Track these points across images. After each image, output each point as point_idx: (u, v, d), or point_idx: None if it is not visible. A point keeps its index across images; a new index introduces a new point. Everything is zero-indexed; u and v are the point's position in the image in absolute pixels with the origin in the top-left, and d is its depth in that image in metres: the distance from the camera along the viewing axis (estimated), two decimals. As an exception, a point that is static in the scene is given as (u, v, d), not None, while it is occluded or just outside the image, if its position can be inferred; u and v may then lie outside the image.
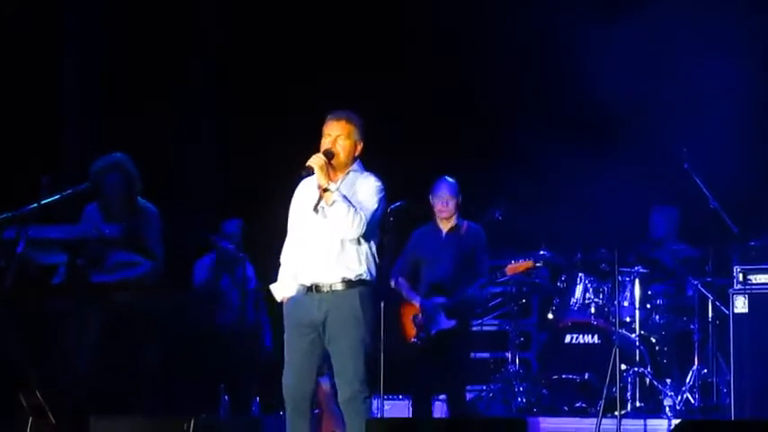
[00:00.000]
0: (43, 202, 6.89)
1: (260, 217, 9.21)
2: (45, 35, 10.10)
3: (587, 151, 9.67)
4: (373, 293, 6.40)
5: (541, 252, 9.18)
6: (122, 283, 7.73)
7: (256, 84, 10.95)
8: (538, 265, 8.92)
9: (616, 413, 8.08)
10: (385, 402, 8.32)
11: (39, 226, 7.08)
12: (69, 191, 7.24)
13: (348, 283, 6.32)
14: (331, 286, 6.32)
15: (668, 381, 8.98)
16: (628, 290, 9.24)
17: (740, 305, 8.18)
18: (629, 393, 8.83)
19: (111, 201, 7.83)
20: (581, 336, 9.14)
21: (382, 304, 7.39)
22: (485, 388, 9.61)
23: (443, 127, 10.66)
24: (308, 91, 10.30)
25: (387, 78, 10.64)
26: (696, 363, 9.02)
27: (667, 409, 8.71)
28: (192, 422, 6.51)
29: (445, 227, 8.44)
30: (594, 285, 9.34)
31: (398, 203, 8.07)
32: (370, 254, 6.40)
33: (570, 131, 9.92)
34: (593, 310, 9.29)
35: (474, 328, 9.89)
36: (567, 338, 9.16)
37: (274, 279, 6.60)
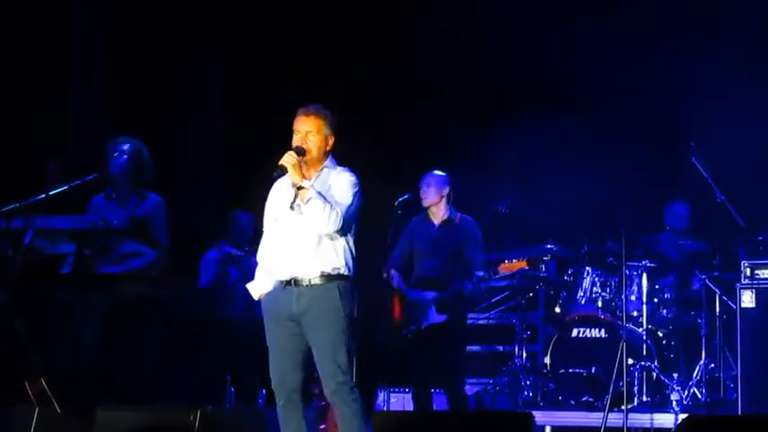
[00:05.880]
0: (51, 192, 6.88)
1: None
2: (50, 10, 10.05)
3: (594, 143, 9.66)
4: (352, 287, 6.37)
5: (548, 245, 9.17)
6: (128, 273, 7.72)
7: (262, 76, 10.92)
8: (546, 258, 8.92)
9: (623, 407, 8.09)
10: (391, 395, 8.31)
11: (46, 216, 7.08)
12: (77, 181, 7.23)
13: (327, 278, 6.29)
14: (310, 280, 6.29)
15: (675, 375, 8.97)
16: (635, 284, 9.23)
17: (747, 300, 8.19)
18: (635, 387, 8.82)
19: (118, 179, 7.79)
20: (588, 329, 9.12)
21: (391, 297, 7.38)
22: (491, 381, 9.60)
23: (445, 118, 10.61)
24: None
25: (394, 63, 10.61)
26: (703, 357, 9.02)
27: (674, 403, 8.70)
28: (198, 413, 6.50)
29: (437, 219, 8.35)
30: (602, 279, 9.31)
31: (405, 196, 8.06)
32: (347, 248, 6.37)
33: (577, 124, 9.89)
34: (600, 303, 9.27)
35: (480, 322, 9.90)
36: (574, 332, 9.13)
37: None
